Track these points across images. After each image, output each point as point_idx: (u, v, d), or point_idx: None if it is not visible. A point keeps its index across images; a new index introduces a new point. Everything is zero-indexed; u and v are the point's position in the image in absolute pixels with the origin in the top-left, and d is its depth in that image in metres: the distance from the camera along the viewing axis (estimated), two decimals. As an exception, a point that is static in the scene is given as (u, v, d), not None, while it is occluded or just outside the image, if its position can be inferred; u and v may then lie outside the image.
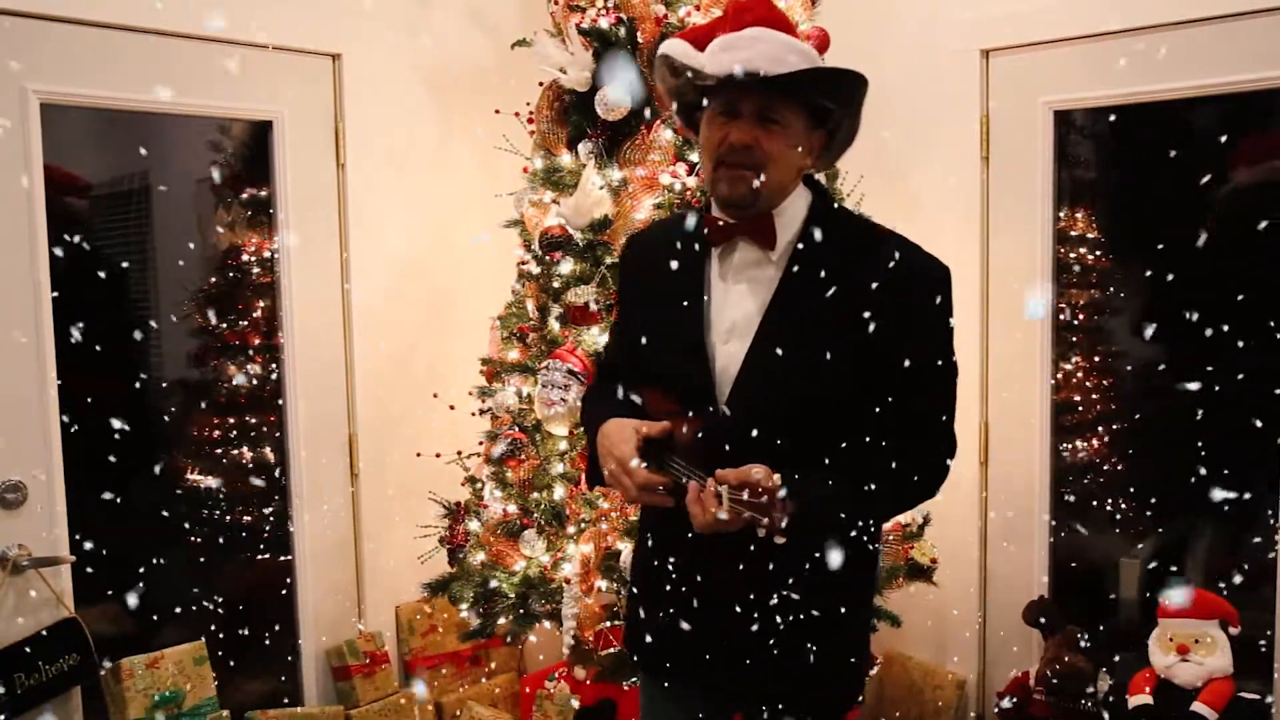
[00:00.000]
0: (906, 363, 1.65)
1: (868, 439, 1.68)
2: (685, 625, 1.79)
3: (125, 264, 2.90)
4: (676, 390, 1.74)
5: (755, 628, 1.73)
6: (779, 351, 1.67)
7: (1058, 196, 2.95)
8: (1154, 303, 2.87)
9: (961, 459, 3.01)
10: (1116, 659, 2.86)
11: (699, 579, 1.76)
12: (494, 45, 3.32)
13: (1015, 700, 2.86)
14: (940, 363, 1.71)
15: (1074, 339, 3.01)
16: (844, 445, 1.66)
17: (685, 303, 1.76)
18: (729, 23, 1.72)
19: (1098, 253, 3.01)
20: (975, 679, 3.11)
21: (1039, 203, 2.93)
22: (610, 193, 2.59)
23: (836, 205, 1.82)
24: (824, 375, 1.65)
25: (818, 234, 1.72)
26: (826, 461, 1.67)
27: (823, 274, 1.68)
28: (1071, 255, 3.00)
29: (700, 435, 1.68)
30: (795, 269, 1.71)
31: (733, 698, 1.84)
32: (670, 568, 1.80)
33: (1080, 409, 3.03)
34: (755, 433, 1.66)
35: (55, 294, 2.56)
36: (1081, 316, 3.01)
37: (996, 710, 2.91)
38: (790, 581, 1.70)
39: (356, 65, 3.08)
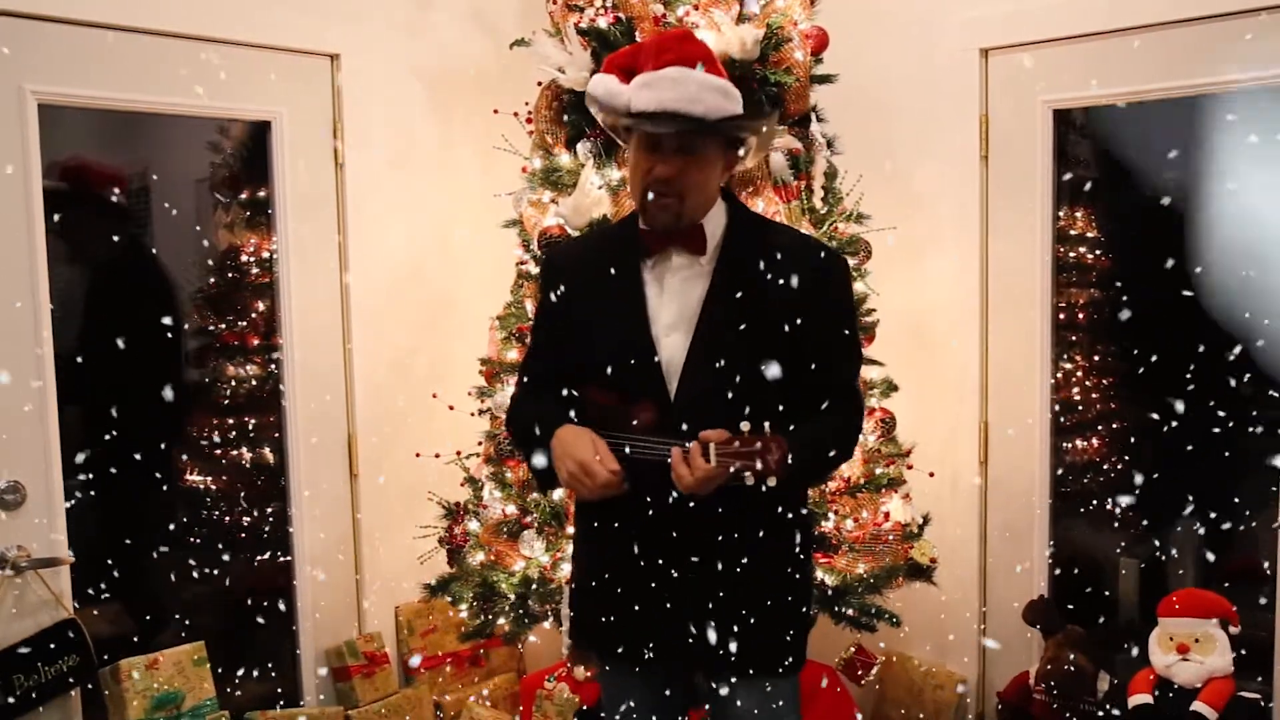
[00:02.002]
0: (826, 337, 1.91)
1: (800, 407, 1.88)
2: (640, 604, 1.92)
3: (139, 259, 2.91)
4: (623, 383, 1.90)
5: (709, 594, 1.89)
6: (720, 337, 1.87)
7: (1057, 196, 2.95)
8: (1154, 302, 2.87)
9: (961, 459, 3.07)
10: (1118, 659, 2.86)
11: (650, 557, 1.90)
12: (493, 45, 3.31)
13: (1015, 700, 2.87)
14: (851, 336, 1.98)
15: (1073, 338, 3.01)
16: (781, 414, 1.83)
17: (627, 303, 1.93)
18: (650, 59, 1.88)
19: (1097, 252, 3.01)
20: (975, 679, 3.11)
21: (1038, 202, 2.92)
22: (609, 192, 2.59)
23: (748, 212, 2.02)
24: (761, 353, 1.84)
25: (738, 236, 1.94)
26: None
27: (747, 269, 1.90)
28: (1071, 255, 3.00)
29: (654, 420, 1.86)
30: (723, 265, 1.92)
31: (693, 665, 1.96)
32: (620, 552, 1.92)
33: (1080, 408, 3.02)
34: (704, 411, 1.83)
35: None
36: (1081, 316, 3.01)
37: (998, 707, 2.91)
38: (739, 547, 1.88)
39: (355, 65, 3.08)
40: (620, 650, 1.99)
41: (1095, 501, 2.98)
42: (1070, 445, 3.02)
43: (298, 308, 3.01)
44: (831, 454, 1.93)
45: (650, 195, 1.87)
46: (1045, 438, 2.97)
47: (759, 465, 1.73)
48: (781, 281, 1.87)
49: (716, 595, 1.89)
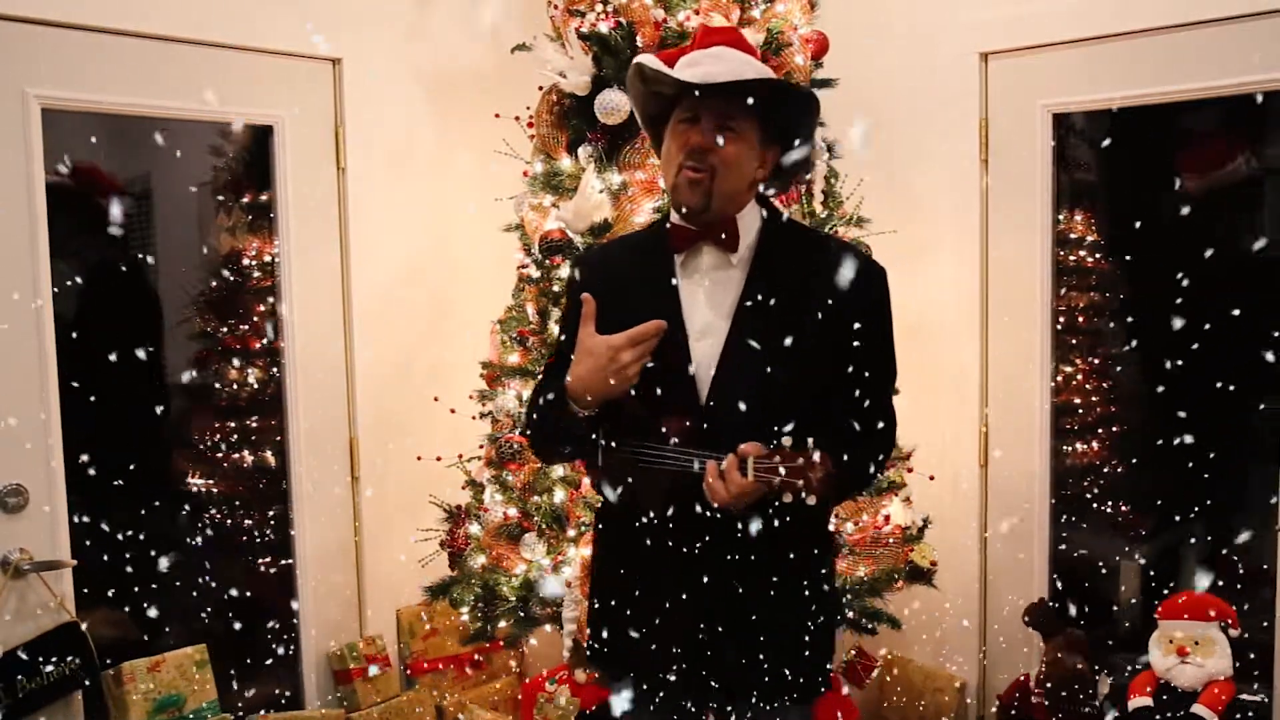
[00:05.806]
0: (862, 352, 1.84)
1: (833, 423, 1.83)
2: (657, 628, 1.86)
3: (139, 263, 2.93)
4: (654, 389, 1.83)
5: (728, 619, 1.84)
6: (752, 344, 1.82)
7: (1056, 199, 2.95)
8: (1153, 305, 2.88)
9: (961, 461, 3.08)
10: (1118, 662, 2.86)
11: (669, 579, 1.84)
12: (494, 50, 3.32)
13: (1015, 703, 2.87)
14: (887, 350, 1.93)
15: (1073, 341, 3.02)
16: (812, 429, 1.76)
17: (658, 305, 1.86)
18: (697, 44, 1.91)
19: (1097, 255, 3.02)
20: (975, 681, 3.11)
21: (1038, 205, 2.93)
22: (610, 196, 2.60)
23: (785, 219, 1.97)
24: (793, 364, 1.80)
25: (773, 241, 1.90)
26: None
27: (781, 275, 1.86)
28: (1071, 258, 3.01)
29: (685, 428, 1.80)
30: (757, 270, 1.88)
31: (710, 691, 1.90)
32: (637, 574, 1.89)
33: (1080, 411, 3.03)
34: (737, 421, 1.78)
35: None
36: (1081, 319, 3.02)
37: (998, 710, 2.92)
38: (759, 571, 1.83)
39: (357, 70, 3.09)
40: (639, 677, 1.94)
41: (1095, 504, 2.98)
42: (1070, 448, 3.02)
43: (299, 311, 3.02)
44: (866, 474, 1.91)
45: (683, 169, 1.83)
46: (1045, 440, 2.97)
47: (800, 483, 1.66)
48: (818, 290, 1.83)
49: (740, 618, 1.84)
